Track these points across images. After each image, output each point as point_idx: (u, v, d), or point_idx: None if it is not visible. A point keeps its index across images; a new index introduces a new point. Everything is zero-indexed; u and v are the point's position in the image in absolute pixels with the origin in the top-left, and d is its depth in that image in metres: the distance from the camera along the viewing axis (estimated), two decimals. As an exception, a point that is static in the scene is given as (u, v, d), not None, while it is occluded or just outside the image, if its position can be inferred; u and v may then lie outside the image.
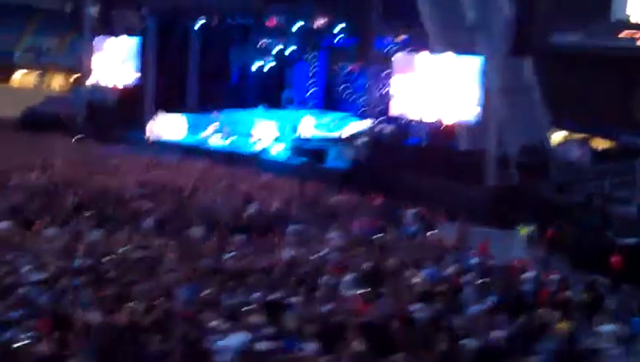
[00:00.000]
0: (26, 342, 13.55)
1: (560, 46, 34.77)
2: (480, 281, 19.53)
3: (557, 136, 35.86)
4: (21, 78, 67.99)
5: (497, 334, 16.03)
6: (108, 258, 19.35)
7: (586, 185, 29.57)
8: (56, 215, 24.19)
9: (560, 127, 35.68)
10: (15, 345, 13.46)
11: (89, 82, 51.61)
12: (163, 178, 31.63)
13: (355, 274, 19.45)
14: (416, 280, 19.19)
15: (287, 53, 48.30)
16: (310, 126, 42.58)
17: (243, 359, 14.18)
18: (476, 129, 31.97)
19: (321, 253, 21.29)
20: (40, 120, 50.61)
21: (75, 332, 14.42)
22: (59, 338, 13.86)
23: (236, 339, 14.63)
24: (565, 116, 34.51)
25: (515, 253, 24.14)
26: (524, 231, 25.61)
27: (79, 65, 53.99)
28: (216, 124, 43.71)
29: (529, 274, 20.05)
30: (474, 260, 21.86)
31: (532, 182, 30.11)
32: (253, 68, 49.69)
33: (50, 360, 13.25)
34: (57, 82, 67.19)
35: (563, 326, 16.60)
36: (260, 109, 44.52)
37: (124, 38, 47.79)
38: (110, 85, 49.80)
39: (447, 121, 34.31)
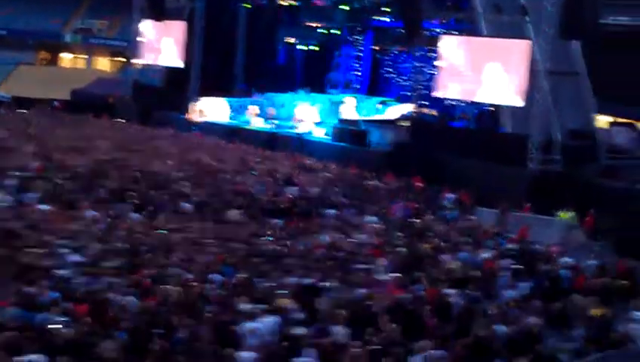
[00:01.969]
0: (61, 324, 13.75)
1: (609, 28, 34.22)
2: (516, 267, 19.43)
3: (604, 120, 35.42)
4: (71, 59, 68.68)
5: (532, 320, 15.96)
6: (146, 240, 19.59)
7: (632, 170, 29.16)
8: (98, 197, 24.40)
9: (607, 110, 35.21)
10: (49, 327, 13.67)
11: (137, 64, 52.07)
12: (204, 160, 31.74)
13: (391, 258, 19.44)
14: (452, 265, 19.12)
15: (332, 35, 48.18)
16: (353, 108, 42.52)
17: (273, 343, 14.29)
18: (522, 112, 31.63)
19: (359, 237, 21.24)
20: (89, 101, 51.18)
21: (110, 315, 14.62)
22: (94, 322, 14.07)
23: (266, 323, 14.74)
24: (613, 99, 34.04)
25: (556, 238, 23.91)
26: (566, 216, 25.33)
27: (128, 47, 54.46)
28: (260, 106, 43.83)
29: (566, 260, 19.86)
30: (512, 245, 21.71)
31: (576, 167, 29.76)
32: (299, 50, 49.70)
33: (84, 342, 13.43)
34: (106, 64, 67.80)
35: (598, 312, 16.47)
36: (302, 92, 44.50)
37: (172, 19, 47.96)
38: (158, 67, 50.18)
39: (493, 104, 34.08)
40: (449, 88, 35.02)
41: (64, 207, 22.80)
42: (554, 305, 16.97)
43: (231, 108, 45.06)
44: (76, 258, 17.67)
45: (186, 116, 44.25)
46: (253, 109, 43.34)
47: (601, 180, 28.47)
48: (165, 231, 20.72)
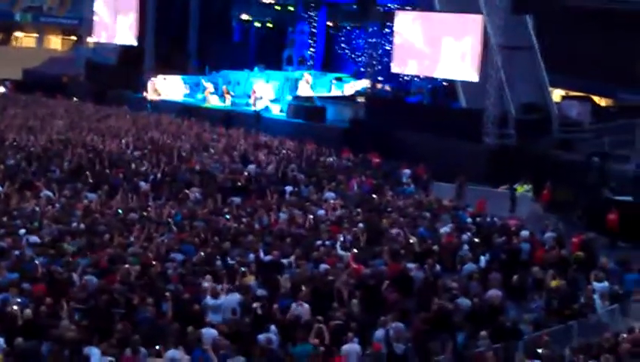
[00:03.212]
0: (19, 305, 13.63)
1: (560, 2, 34.45)
2: (475, 240, 19.57)
3: (557, 94, 35.68)
4: (21, 38, 67.58)
5: (493, 293, 16.11)
6: (104, 220, 19.44)
7: (585, 143, 29.49)
8: (54, 177, 24.13)
9: (560, 84, 35.49)
10: (8, 309, 13.54)
11: (90, 42, 51.48)
12: (161, 139, 31.49)
13: (351, 234, 19.46)
14: (411, 239, 19.20)
15: (287, 11, 47.99)
16: (309, 85, 42.42)
17: (236, 320, 14.31)
18: (476, 87, 31.80)
19: (318, 214, 21.24)
20: (41, 81, 50.54)
21: (69, 295, 14.50)
22: (53, 302, 13.94)
23: (229, 300, 14.73)
24: (565, 73, 34.28)
25: (512, 211, 24.18)
26: (522, 189, 25.56)
27: (80, 25, 53.80)
28: (215, 83, 43.56)
29: (524, 233, 20.03)
30: (470, 219, 21.84)
31: (531, 140, 30.02)
32: (254, 26, 49.41)
33: (44, 323, 13.33)
34: (58, 42, 66.84)
35: (557, 283, 16.68)
36: (257, 70, 44.30)
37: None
38: (111, 45, 49.63)
39: (448, 79, 34.21)
40: (407, 64, 35.08)
41: (19, 187, 22.50)
42: (513, 277, 17.19)
43: (187, 85, 44.66)
44: (34, 238, 17.48)
45: (143, 94, 43.86)
46: (209, 87, 43.02)
47: (556, 153, 28.75)
48: (123, 211, 20.52)
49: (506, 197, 25.72)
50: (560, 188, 25.45)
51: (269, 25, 49.14)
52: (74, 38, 61.56)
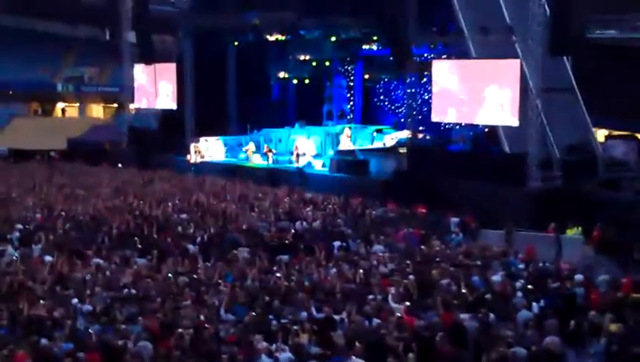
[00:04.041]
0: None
1: (598, 42, 34.41)
2: (529, 286, 19.36)
3: (601, 134, 35.48)
4: (64, 108, 68.64)
5: (549, 340, 15.87)
6: (154, 285, 19.51)
7: (632, 181, 29.23)
8: (102, 244, 24.33)
9: (602, 124, 35.31)
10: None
11: (131, 109, 52.21)
12: (206, 201, 31.66)
13: (402, 286, 19.35)
14: (463, 289, 19.04)
15: (323, 66, 48.39)
16: (350, 139, 42.60)
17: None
18: (518, 131, 31.71)
19: (367, 268, 21.16)
20: (85, 149, 51.30)
21: (125, 362, 14.53)
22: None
23: (284, 360, 14.66)
24: (608, 113, 34.14)
25: (563, 255, 23.88)
26: (572, 232, 25.29)
27: (121, 93, 54.62)
28: (257, 142, 43.87)
29: (578, 277, 19.77)
30: (521, 266, 21.64)
31: (576, 182, 29.80)
32: (291, 83, 49.90)
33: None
34: (100, 111, 67.82)
35: (615, 327, 16.39)
36: (298, 126, 44.60)
37: (162, 62, 48.12)
38: (152, 110, 50.29)
39: (489, 125, 34.16)
40: (444, 112, 35.11)
41: (69, 256, 22.69)
42: (570, 323, 16.92)
43: (225, 146, 45.07)
44: (87, 307, 17.59)
45: (187, 157, 44.34)
46: (250, 146, 43.34)
47: (603, 193, 28.49)
48: (173, 275, 20.58)
49: (553, 241, 25.44)
50: (609, 229, 25.15)
51: (307, 81, 49.55)
52: (115, 105, 62.39)
